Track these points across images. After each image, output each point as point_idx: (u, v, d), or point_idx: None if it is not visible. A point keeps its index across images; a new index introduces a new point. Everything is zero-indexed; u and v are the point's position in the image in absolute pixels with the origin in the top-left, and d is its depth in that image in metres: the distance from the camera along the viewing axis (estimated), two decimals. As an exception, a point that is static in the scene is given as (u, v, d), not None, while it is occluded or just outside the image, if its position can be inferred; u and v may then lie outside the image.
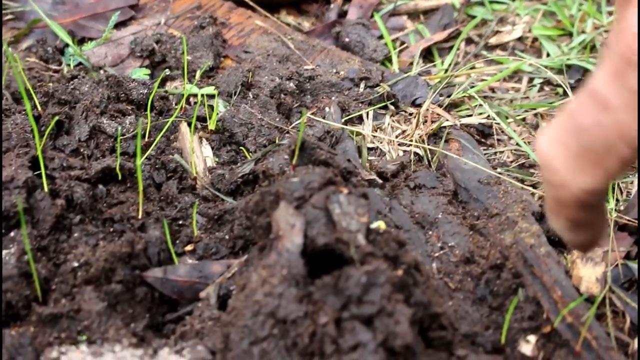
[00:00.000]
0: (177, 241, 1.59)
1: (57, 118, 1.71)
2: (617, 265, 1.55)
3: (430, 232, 1.62)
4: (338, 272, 1.20)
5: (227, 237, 1.59)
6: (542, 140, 1.02)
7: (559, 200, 1.03)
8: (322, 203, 1.32)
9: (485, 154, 1.90)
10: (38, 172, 1.56)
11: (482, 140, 1.98)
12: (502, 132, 2.00)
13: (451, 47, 2.36)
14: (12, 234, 1.46)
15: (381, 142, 1.89)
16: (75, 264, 1.43)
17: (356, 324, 1.16)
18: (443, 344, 1.28)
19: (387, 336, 1.16)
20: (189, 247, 1.59)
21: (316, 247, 1.28)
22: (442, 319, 1.28)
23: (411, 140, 1.86)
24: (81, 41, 2.24)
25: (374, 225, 1.31)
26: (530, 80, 2.22)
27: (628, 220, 1.66)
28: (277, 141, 1.83)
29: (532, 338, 1.38)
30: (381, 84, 2.06)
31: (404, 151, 1.87)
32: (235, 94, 1.98)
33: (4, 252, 1.43)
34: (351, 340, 1.16)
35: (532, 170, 1.89)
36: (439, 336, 1.27)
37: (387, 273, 1.19)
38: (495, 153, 1.95)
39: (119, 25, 2.30)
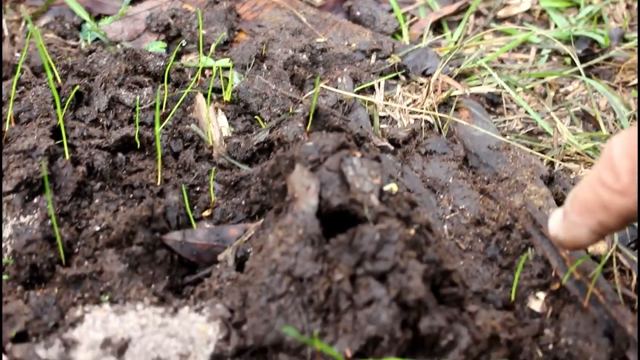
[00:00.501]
0: (195, 207, 1.62)
1: (77, 87, 1.73)
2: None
3: (441, 196, 1.64)
4: (352, 230, 1.22)
5: (243, 202, 1.62)
6: (615, 143, 1.05)
7: (609, 204, 1.06)
8: (336, 165, 1.34)
9: (494, 122, 1.91)
10: (59, 141, 1.58)
11: (492, 109, 2.00)
12: (511, 101, 2.02)
13: (460, 20, 2.37)
14: (35, 200, 1.49)
15: (392, 111, 1.91)
16: (97, 228, 1.46)
17: (370, 280, 1.19)
18: (455, 300, 1.30)
19: (401, 291, 1.18)
20: (206, 213, 1.61)
21: (330, 208, 1.30)
22: (454, 276, 1.29)
23: (422, 109, 1.88)
24: (98, 17, 2.26)
25: (386, 188, 1.33)
26: (539, 51, 2.23)
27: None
28: (291, 110, 1.85)
29: (541, 295, 1.40)
30: (392, 55, 2.07)
31: (415, 119, 1.88)
32: (249, 66, 2.00)
33: (28, 217, 1.46)
34: (365, 296, 1.18)
35: (540, 137, 1.91)
36: (450, 292, 1.29)
37: (400, 231, 1.21)
38: (504, 121, 1.97)
39: (135, 1, 2.32)
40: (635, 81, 2.06)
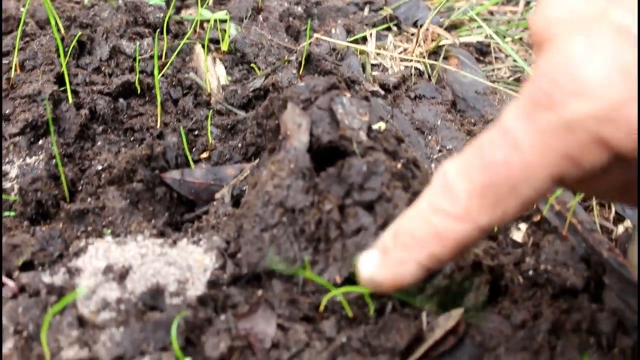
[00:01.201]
0: (193, 149, 1.65)
1: (79, 35, 1.76)
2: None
3: (429, 137, 1.67)
4: (341, 162, 1.26)
5: (239, 145, 1.65)
6: (448, 168, 0.96)
7: (444, 233, 0.96)
8: (326, 104, 1.37)
9: (483, 70, 1.94)
10: (63, 87, 1.62)
11: (481, 58, 2.03)
12: (500, 50, 2.05)
13: (452, -25, 2.39)
14: (40, 142, 1.53)
15: (384, 59, 1.94)
16: (99, 167, 1.50)
17: (358, 209, 1.22)
18: (439, 229, 1.33)
19: (387, 219, 1.22)
20: (204, 155, 1.64)
21: (321, 144, 1.33)
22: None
23: (412, 57, 1.91)
24: (100, -27, 2.29)
25: (375, 126, 1.37)
26: (527, 3, 2.25)
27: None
28: (285, 58, 1.88)
29: (523, 226, 1.44)
30: (384, 7, 2.10)
31: (405, 66, 1.92)
32: (246, 18, 2.03)
33: (33, 158, 1.50)
34: (354, 225, 1.22)
35: (527, 84, 1.94)
36: (435, 222, 1.33)
37: (387, 163, 1.25)
38: (493, 70, 2.00)
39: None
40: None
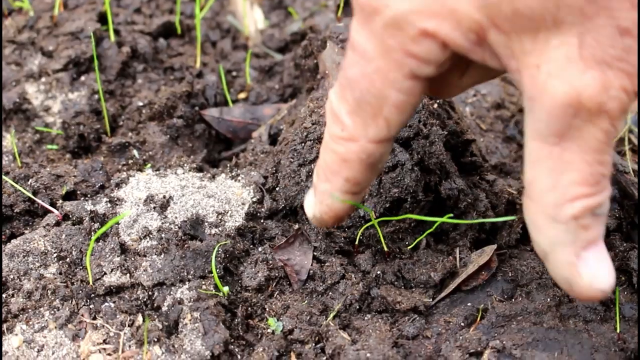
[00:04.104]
0: (232, 90, 1.64)
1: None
2: (635, 113, 1.58)
3: (464, 82, 1.66)
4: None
5: (277, 86, 1.64)
6: (331, 96, 0.99)
7: (345, 156, 0.98)
8: (365, 43, 1.36)
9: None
10: (105, 26, 1.61)
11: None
12: None
13: None
14: (82, 78, 1.53)
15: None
16: (140, 104, 1.50)
17: (395, 145, 1.22)
18: (474, 168, 1.32)
19: (423, 156, 1.22)
20: (242, 95, 1.64)
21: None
22: (473, 147, 1.32)
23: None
24: None
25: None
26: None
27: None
28: (323, 3, 1.86)
29: (556, 168, 1.43)
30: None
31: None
32: (284, -36, 2.01)
33: (76, 93, 1.50)
34: (390, 161, 1.21)
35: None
36: (470, 161, 1.32)
37: (424, 101, 1.24)
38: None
39: None
40: None
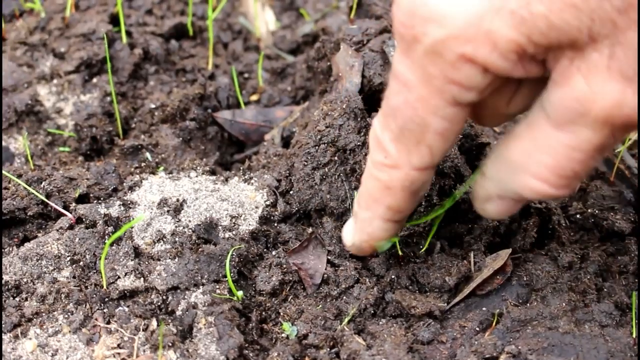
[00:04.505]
0: (244, 91, 1.64)
1: (133, -23, 1.76)
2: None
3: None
4: (393, 103, 1.25)
5: (289, 88, 1.64)
6: (375, 124, 1.00)
7: (389, 183, 1.00)
8: (379, 46, 1.35)
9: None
10: (117, 28, 1.61)
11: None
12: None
13: None
14: (94, 80, 1.53)
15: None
16: (153, 106, 1.50)
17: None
18: (488, 171, 1.32)
19: (438, 160, 1.21)
20: (254, 97, 1.63)
21: (372, 86, 1.32)
22: (488, 150, 1.32)
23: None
24: None
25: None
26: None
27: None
28: (335, 4, 1.86)
29: (570, 171, 1.42)
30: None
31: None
32: (295, -35, 2.01)
33: (88, 95, 1.50)
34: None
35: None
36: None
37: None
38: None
39: None
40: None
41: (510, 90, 0.97)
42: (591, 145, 0.85)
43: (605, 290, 1.20)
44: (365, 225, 1.09)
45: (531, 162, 0.90)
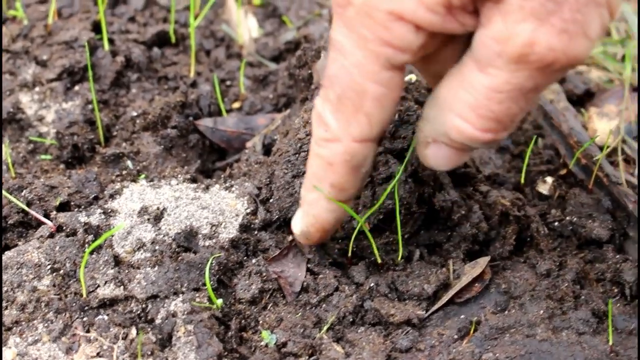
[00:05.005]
0: (226, 99, 1.64)
1: (115, -16, 1.76)
2: (630, 122, 1.58)
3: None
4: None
5: (270, 95, 1.64)
6: (316, 100, 1.00)
7: (330, 158, 1.00)
8: (359, 54, 1.36)
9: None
10: (99, 35, 1.61)
11: None
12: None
13: None
14: (76, 88, 1.53)
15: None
16: (134, 113, 1.50)
17: (389, 157, 1.22)
18: (468, 179, 1.33)
19: (417, 168, 1.22)
20: (236, 104, 1.64)
21: (353, 94, 1.33)
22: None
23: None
24: None
25: (407, 78, 1.35)
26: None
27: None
28: (317, 12, 1.86)
29: (549, 179, 1.43)
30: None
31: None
32: (278, -28, 2.01)
33: (70, 103, 1.50)
34: (384, 173, 1.21)
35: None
36: (464, 172, 1.32)
37: (418, 112, 1.24)
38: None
39: None
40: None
41: (459, 47, 0.97)
42: (509, 86, 0.87)
43: (582, 297, 1.21)
44: (312, 207, 1.09)
45: (455, 100, 0.92)
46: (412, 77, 1.36)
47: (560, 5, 0.81)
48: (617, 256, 1.26)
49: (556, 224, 1.33)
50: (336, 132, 0.98)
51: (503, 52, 0.85)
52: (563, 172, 1.43)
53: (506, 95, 0.88)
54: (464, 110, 0.91)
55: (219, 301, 1.15)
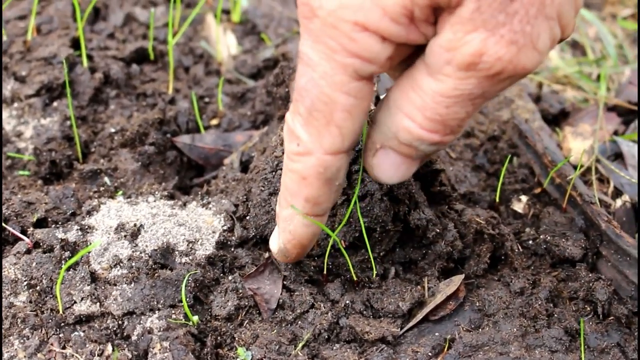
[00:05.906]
0: (204, 116, 1.65)
1: (95, 0, 1.76)
2: (605, 142, 1.60)
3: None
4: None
5: (249, 112, 1.65)
6: (287, 115, 1.01)
7: (304, 172, 1.00)
8: (336, 73, 1.37)
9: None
10: (78, 52, 1.62)
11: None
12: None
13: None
14: (54, 104, 1.53)
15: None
16: (112, 130, 1.51)
17: (365, 176, 1.22)
18: (443, 197, 1.34)
19: (392, 186, 1.23)
20: (214, 121, 1.64)
21: (330, 112, 1.34)
22: (442, 176, 1.34)
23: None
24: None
25: (382, 97, 1.36)
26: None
27: (617, 102, 1.71)
28: (295, 30, 1.88)
29: (523, 198, 1.45)
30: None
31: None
32: (257, -10, 2.03)
33: (48, 119, 1.51)
34: (360, 191, 1.22)
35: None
36: (439, 191, 1.33)
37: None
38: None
39: None
40: (624, 12, 2.09)
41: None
42: (457, 92, 0.89)
43: (555, 315, 1.22)
44: (287, 223, 1.09)
45: (405, 101, 0.93)
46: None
47: (511, 17, 0.83)
48: (590, 275, 1.27)
49: (530, 242, 1.35)
50: (308, 145, 0.98)
51: (452, 60, 0.87)
52: (537, 191, 1.45)
53: (454, 100, 0.90)
54: (413, 111, 0.93)
55: (195, 318, 1.16)
